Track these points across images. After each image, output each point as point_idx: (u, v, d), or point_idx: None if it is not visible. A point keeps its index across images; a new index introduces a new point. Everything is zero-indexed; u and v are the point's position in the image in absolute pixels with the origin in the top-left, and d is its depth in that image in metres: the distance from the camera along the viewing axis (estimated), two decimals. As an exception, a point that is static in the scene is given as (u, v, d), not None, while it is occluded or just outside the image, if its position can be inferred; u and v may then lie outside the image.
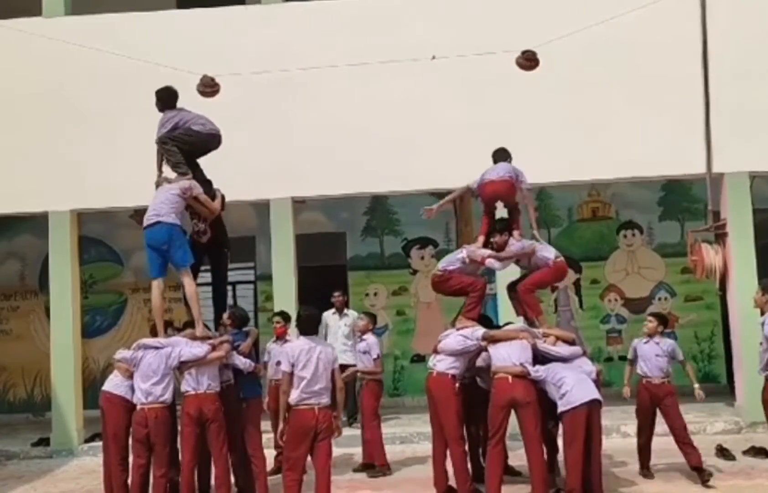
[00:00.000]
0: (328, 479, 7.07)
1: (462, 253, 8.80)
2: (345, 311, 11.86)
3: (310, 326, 7.31)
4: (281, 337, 9.61)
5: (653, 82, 11.09)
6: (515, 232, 8.80)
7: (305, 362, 7.04)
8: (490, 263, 8.74)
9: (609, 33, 10.60)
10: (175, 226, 8.00)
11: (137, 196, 11.38)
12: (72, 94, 11.86)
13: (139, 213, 13.53)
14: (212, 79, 8.53)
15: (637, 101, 11.11)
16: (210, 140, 8.48)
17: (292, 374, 7.05)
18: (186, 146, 8.36)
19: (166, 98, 8.48)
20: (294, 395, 7.02)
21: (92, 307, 14.32)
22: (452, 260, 8.79)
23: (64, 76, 11.86)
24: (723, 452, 9.41)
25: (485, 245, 8.77)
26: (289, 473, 7.07)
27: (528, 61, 8.95)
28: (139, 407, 7.74)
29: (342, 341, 11.48)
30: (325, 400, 7.06)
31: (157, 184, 8.35)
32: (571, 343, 8.25)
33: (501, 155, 8.94)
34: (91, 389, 13.02)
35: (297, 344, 7.29)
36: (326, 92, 11.45)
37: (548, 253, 8.70)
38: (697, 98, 11.07)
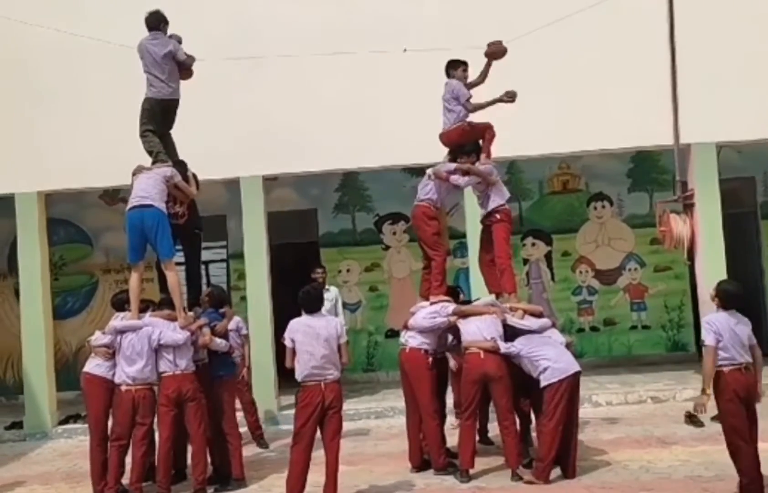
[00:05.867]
0: (336, 453, 7.09)
1: (428, 171, 8.82)
2: (326, 287, 11.81)
3: (311, 303, 7.28)
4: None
5: (622, 54, 11.13)
6: (482, 156, 8.85)
7: (305, 338, 7.06)
8: (455, 179, 8.74)
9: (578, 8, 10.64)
10: (164, 214, 8.13)
11: (106, 177, 11.40)
12: (36, 73, 11.68)
13: (108, 194, 13.57)
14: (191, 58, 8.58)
15: (606, 74, 11.15)
16: (168, 105, 8.61)
17: (293, 349, 7.10)
18: (156, 124, 8.54)
19: (150, 24, 8.66)
20: (299, 372, 7.07)
21: (63, 288, 14.16)
22: (424, 186, 8.81)
23: (26, 54, 11.67)
24: (692, 419, 9.55)
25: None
26: (295, 447, 7.07)
27: (493, 47, 9.04)
28: (124, 389, 7.75)
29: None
30: (332, 374, 7.08)
31: (135, 173, 8.39)
32: (539, 316, 8.34)
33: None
34: (64, 371, 12.97)
35: (298, 320, 7.29)
36: (296, 69, 11.35)
37: (501, 197, 8.76)
38: (664, 70, 11.14)
